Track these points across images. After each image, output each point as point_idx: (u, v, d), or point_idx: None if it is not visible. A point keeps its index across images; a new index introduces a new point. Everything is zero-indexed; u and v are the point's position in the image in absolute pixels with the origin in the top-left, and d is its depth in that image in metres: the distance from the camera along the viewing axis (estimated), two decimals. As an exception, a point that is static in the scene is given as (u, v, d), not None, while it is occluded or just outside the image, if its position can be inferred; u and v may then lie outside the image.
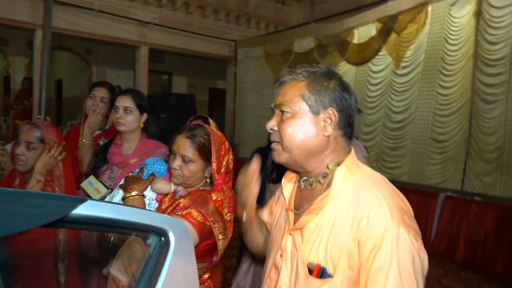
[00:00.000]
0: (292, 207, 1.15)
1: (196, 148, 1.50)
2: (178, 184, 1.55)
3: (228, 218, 1.52)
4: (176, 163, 1.51)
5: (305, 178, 1.14)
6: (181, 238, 0.98)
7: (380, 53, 6.41)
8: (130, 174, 1.62)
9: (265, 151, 2.97)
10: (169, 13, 9.15)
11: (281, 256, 1.10)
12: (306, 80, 1.10)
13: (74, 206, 0.76)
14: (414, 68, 5.90)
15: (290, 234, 1.10)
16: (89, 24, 8.08)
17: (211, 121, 2.56)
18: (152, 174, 1.61)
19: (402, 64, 6.02)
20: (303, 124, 1.07)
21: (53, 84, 12.47)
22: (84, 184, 1.96)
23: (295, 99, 1.08)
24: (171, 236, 0.96)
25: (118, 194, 1.61)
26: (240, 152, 9.58)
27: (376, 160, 6.29)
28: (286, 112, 1.09)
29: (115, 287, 1.50)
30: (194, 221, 1.38)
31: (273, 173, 2.01)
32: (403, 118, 6.07)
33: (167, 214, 1.43)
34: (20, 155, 1.92)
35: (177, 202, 1.49)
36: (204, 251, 1.45)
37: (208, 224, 1.40)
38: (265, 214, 1.30)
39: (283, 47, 8.47)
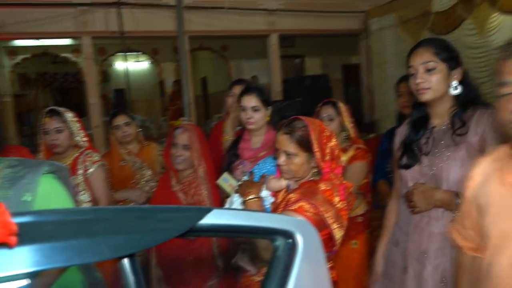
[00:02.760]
0: None
1: (295, 142, 1.54)
2: (288, 179, 1.61)
3: (340, 206, 1.50)
4: (282, 159, 1.57)
5: None
6: (309, 239, 0.96)
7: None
8: (243, 178, 1.74)
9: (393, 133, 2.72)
10: (294, -4, 9.14)
11: None
12: None
13: (201, 217, 0.80)
14: None
15: None
16: (221, 22, 8.59)
17: (340, 104, 2.49)
18: (262, 175, 1.71)
19: None
20: None
21: (198, 82, 13.70)
22: (220, 181, 2.09)
23: None
24: (298, 238, 0.94)
25: (238, 200, 1.69)
26: (382, 127, 9.12)
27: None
28: None
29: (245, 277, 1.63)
30: (307, 213, 1.41)
31: (403, 157, 1.71)
32: None
33: (281, 210, 1.51)
34: (179, 156, 2.16)
35: (288, 197, 1.54)
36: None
37: (320, 214, 1.43)
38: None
39: (419, 9, 7.70)
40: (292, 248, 0.94)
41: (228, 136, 2.62)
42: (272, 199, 1.66)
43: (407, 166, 1.69)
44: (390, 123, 8.85)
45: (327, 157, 1.55)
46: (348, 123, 2.50)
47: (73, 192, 1.36)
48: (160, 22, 8.16)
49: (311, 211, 1.42)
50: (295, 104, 8.51)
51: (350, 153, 2.43)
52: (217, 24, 8.60)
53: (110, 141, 2.95)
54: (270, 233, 0.93)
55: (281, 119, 3.50)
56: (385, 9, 8.87)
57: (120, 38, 8.19)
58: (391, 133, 2.63)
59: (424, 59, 1.56)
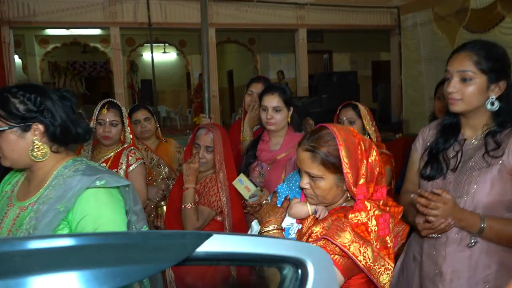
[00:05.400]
0: None
1: (319, 161, 1.20)
2: (315, 204, 1.29)
3: (379, 245, 1.16)
4: (304, 181, 1.25)
5: None
6: (321, 268, 0.86)
7: None
8: (265, 201, 1.45)
9: None
10: (325, -10, 8.94)
11: None
12: None
13: (198, 244, 0.71)
14: None
15: None
16: (250, 15, 8.50)
17: (361, 107, 2.34)
18: (286, 198, 1.37)
19: None
20: None
21: (225, 75, 13.67)
22: (235, 182, 2.00)
23: None
24: (310, 267, 0.84)
25: (257, 228, 1.39)
26: (411, 127, 8.83)
27: None
28: None
29: None
30: (332, 256, 1.13)
31: (427, 167, 1.54)
32: None
33: None
34: (201, 158, 2.09)
35: (311, 230, 1.22)
36: (359, 285, 1.20)
37: (349, 257, 1.12)
38: None
39: (456, 5, 7.36)
40: (302, 279, 0.84)
41: (246, 136, 2.52)
42: (298, 227, 1.33)
43: (430, 178, 1.52)
44: (418, 123, 8.60)
45: (362, 181, 1.19)
46: (370, 127, 2.35)
47: (134, 210, 1.28)
48: (187, 14, 8.13)
49: (336, 251, 1.13)
50: (321, 100, 8.36)
51: (373, 158, 2.29)
52: (244, 17, 8.51)
53: (128, 136, 2.90)
54: (277, 261, 0.84)
55: (305, 115, 3.37)
56: (420, 4, 8.53)
57: (148, 29, 8.21)
58: None
59: (461, 67, 1.40)
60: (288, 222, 1.35)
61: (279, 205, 1.37)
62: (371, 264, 1.12)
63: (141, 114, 2.82)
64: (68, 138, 1.24)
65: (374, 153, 1.23)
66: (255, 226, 1.44)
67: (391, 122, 9.82)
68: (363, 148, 1.22)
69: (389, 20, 9.46)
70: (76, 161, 1.26)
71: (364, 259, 1.12)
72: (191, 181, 2.03)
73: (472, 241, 1.40)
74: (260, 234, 1.31)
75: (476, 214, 1.39)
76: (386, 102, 10.55)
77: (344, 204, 1.29)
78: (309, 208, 1.29)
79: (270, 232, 1.28)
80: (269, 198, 1.46)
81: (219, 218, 2.05)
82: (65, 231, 1.16)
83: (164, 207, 2.37)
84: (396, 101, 10.05)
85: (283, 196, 1.40)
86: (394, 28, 9.49)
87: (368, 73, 12.21)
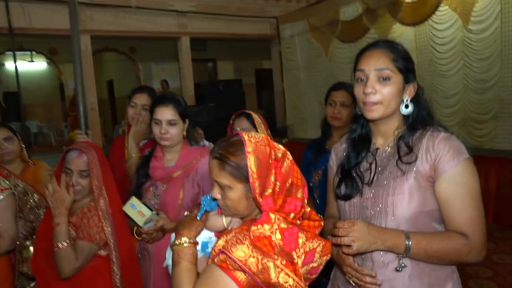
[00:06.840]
0: None
1: (227, 170, 1.13)
2: (230, 216, 1.22)
3: (284, 261, 1.05)
4: (215, 191, 1.18)
5: None
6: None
7: (441, 9, 5.72)
8: (186, 213, 1.32)
9: (319, 145, 2.55)
10: (206, -1, 8.90)
11: None
12: None
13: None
14: (492, 22, 5.15)
15: None
16: (129, 22, 8.04)
17: (254, 116, 2.25)
18: (205, 211, 1.27)
19: (473, 19, 5.29)
20: None
21: (105, 85, 12.79)
22: (126, 208, 1.74)
23: None
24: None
25: None
26: (295, 132, 9.23)
27: (463, 127, 5.68)
28: None
29: None
30: (233, 272, 1.04)
31: (341, 186, 1.41)
32: (486, 78, 5.34)
33: (210, 261, 1.13)
34: (76, 185, 1.78)
35: (216, 244, 1.14)
36: None
37: (249, 274, 1.03)
38: None
39: (328, 17, 7.91)
40: None
41: (131, 153, 2.25)
42: (215, 241, 1.22)
43: (346, 197, 1.37)
44: (302, 128, 9.04)
45: (269, 191, 1.11)
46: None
47: None
48: (55, 19, 7.34)
49: (235, 267, 1.03)
50: (208, 109, 8.26)
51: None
52: (123, 24, 8.01)
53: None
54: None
55: (194, 125, 3.20)
56: (296, 15, 8.99)
57: (9, 35, 7.22)
58: (315, 145, 2.46)
59: (379, 65, 1.26)
60: (206, 235, 1.25)
61: (199, 218, 1.27)
62: (274, 281, 1.03)
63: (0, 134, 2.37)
64: None
65: (287, 162, 1.16)
66: (172, 238, 1.28)
67: (276, 128, 10.17)
68: (275, 156, 1.15)
69: (269, 29, 9.81)
70: None
71: (262, 276, 1.02)
72: (62, 214, 1.71)
73: (401, 264, 1.27)
74: (172, 246, 1.21)
75: (399, 231, 1.24)
76: (270, 108, 10.92)
77: (258, 216, 1.17)
78: (224, 221, 1.22)
79: (179, 246, 1.19)
80: (202, 210, 1.30)
81: (103, 253, 1.76)
82: None
83: (31, 248, 2.00)
84: (280, 107, 10.44)
85: (205, 208, 1.29)
86: (274, 37, 9.87)
87: (252, 81, 12.53)
